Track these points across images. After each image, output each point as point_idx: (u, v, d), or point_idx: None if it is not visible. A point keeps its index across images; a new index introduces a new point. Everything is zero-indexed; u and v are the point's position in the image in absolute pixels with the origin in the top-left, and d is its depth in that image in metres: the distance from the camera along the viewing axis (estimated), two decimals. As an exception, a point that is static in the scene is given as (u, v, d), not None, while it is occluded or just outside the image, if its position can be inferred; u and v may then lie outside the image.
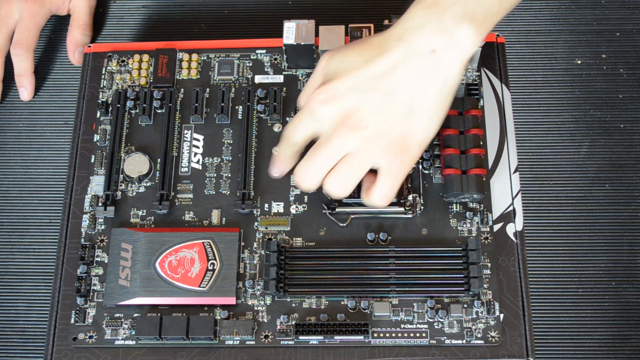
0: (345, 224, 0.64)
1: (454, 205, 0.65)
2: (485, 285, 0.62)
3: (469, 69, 0.69)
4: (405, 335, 0.61)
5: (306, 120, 0.59)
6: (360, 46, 0.59)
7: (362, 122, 0.57)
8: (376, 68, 0.57)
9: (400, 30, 0.58)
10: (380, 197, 0.60)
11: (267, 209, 0.65)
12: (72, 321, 0.62)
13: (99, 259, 0.64)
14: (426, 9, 0.57)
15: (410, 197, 0.65)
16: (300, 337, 0.60)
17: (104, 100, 0.69)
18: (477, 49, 0.68)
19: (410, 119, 0.57)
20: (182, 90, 0.70)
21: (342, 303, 0.62)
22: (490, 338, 0.60)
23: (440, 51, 0.57)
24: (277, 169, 0.64)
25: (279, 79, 0.70)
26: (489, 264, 0.62)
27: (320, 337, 0.60)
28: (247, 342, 0.61)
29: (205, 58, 0.71)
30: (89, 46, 0.72)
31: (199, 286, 0.61)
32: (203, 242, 0.62)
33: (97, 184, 0.66)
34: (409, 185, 0.65)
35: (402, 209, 0.64)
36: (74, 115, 0.69)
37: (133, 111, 0.69)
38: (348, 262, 0.62)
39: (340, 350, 0.60)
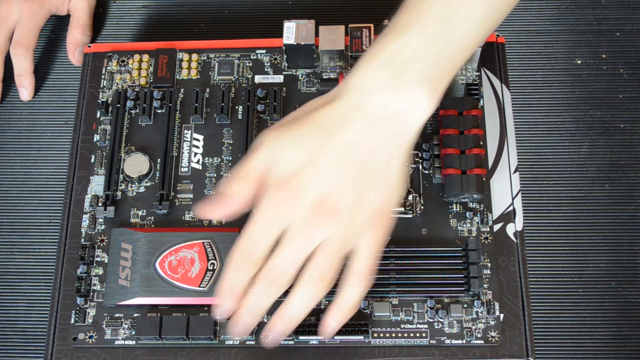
0: (345, 224, 0.64)
1: (454, 205, 0.65)
2: (485, 285, 0.62)
3: (469, 69, 0.69)
4: (405, 335, 0.61)
5: (266, 227, 0.52)
6: (312, 125, 0.53)
7: (335, 207, 0.52)
8: (339, 147, 0.52)
9: (354, 96, 0.53)
10: (357, 281, 0.54)
11: (267, 209, 0.65)
12: (72, 321, 0.62)
13: (99, 259, 0.64)
14: (380, 69, 0.53)
15: (410, 197, 0.65)
16: (300, 337, 0.60)
17: (104, 100, 0.69)
18: (477, 49, 0.68)
19: (383, 188, 0.53)
20: (182, 90, 0.70)
21: (342, 303, 0.62)
22: (490, 338, 0.60)
23: (401, 113, 0.53)
24: (227, 304, 0.54)
25: (279, 79, 0.70)
26: (489, 264, 0.63)
27: (320, 337, 0.60)
28: (247, 342, 0.61)
29: (205, 58, 0.71)
30: (89, 46, 0.72)
31: (199, 286, 0.61)
32: (203, 242, 0.62)
33: (97, 184, 0.66)
34: (409, 185, 0.65)
35: (402, 209, 0.64)
36: (74, 115, 0.69)
37: (133, 111, 0.69)
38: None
39: (340, 350, 0.60)
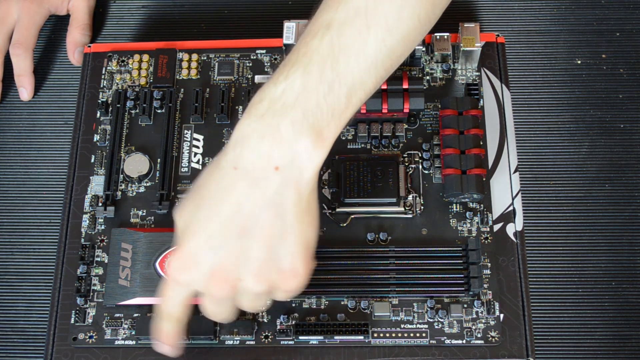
0: (345, 224, 0.64)
1: (454, 205, 0.65)
2: (485, 285, 0.62)
3: (469, 69, 0.69)
4: (405, 335, 0.61)
5: (175, 291, 0.53)
6: (198, 190, 0.52)
7: (229, 276, 0.51)
8: (222, 214, 0.50)
9: (233, 155, 0.50)
10: (284, 298, 0.54)
11: (267, 209, 0.65)
12: (72, 321, 0.62)
13: (99, 259, 0.64)
14: (259, 119, 0.50)
15: (410, 197, 0.65)
16: (300, 337, 0.60)
17: (104, 100, 0.69)
18: (477, 49, 0.68)
19: (279, 247, 0.51)
20: (182, 90, 0.70)
21: (342, 303, 0.62)
22: (490, 338, 0.60)
23: (284, 167, 0.50)
24: (163, 349, 0.56)
25: (279, 79, 0.70)
26: (489, 264, 0.63)
27: (320, 337, 0.60)
28: (247, 342, 0.61)
29: (205, 58, 0.71)
30: (89, 46, 0.72)
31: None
32: (203, 242, 0.62)
33: (97, 184, 0.66)
34: (409, 185, 0.65)
35: (402, 209, 0.64)
36: (74, 115, 0.69)
37: (133, 111, 0.69)
38: (348, 262, 0.62)
39: (340, 350, 0.60)
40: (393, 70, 0.54)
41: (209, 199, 0.51)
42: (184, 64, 0.70)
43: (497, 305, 0.61)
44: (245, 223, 0.50)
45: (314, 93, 0.50)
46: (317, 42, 0.51)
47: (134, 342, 0.61)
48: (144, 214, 0.65)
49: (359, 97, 0.52)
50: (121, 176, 0.66)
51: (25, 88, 0.75)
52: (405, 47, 0.54)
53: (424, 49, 0.69)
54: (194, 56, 0.71)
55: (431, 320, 0.61)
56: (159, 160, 0.67)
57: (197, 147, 0.67)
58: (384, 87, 0.65)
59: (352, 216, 0.64)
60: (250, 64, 0.70)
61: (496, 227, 0.64)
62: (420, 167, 0.66)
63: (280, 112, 0.49)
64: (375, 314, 0.61)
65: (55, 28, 0.79)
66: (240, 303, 0.54)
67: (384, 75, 0.53)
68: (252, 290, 0.52)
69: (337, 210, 0.64)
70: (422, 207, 0.65)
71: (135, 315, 0.62)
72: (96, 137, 0.68)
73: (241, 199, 0.50)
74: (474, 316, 0.61)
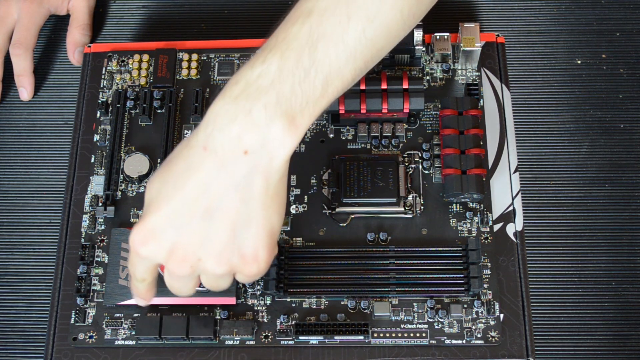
0: (345, 224, 0.64)
1: (454, 205, 0.65)
2: (485, 285, 0.62)
3: (469, 69, 0.69)
4: (405, 335, 0.61)
5: (137, 262, 0.54)
6: (166, 166, 0.52)
7: (188, 255, 0.51)
8: (187, 193, 0.50)
9: (204, 135, 0.50)
10: (245, 282, 0.56)
11: (267, 209, 0.65)
12: (72, 321, 0.62)
13: (99, 259, 0.64)
14: (232, 101, 0.49)
15: (410, 197, 0.65)
16: (300, 337, 0.60)
17: (104, 100, 0.69)
18: (477, 49, 0.68)
19: (242, 232, 0.50)
20: (182, 90, 0.70)
21: (342, 303, 0.62)
22: (490, 338, 0.60)
23: (254, 152, 0.49)
24: (141, 303, 0.59)
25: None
26: (489, 264, 0.62)
27: (320, 337, 0.60)
28: (247, 342, 0.61)
29: (205, 58, 0.71)
30: (89, 46, 0.72)
31: (199, 286, 0.61)
32: (203, 242, 0.62)
33: (97, 184, 0.66)
34: (409, 185, 0.65)
35: (402, 209, 0.64)
36: (74, 115, 0.69)
37: (133, 111, 0.69)
38: (348, 262, 0.62)
39: (340, 350, 0.60)
40: (373, 64, 0.54)
41: (175, 176, 0.50)
42: (184, 64, 0.70)
43: (497, 305, 0.61)
44: (210, 204, 0.50)
45: (289, 78, 0.49)
46: (296, 28, 0.50)
47: (134, 342, 0.61)
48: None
49: (335, 87, 0.51)
50: (121, 176, 0.66)
51: (25, 88, 0.75)
52: (386, 41, 0.53)
53: (424, 49, 0.69)
54: (194, 56, 0.71)
55: (431, 320, 0.61)
56: (159, 160, 0.67)
57: (197, 147, 0.67)
58: (384, 87, 0.65)
59: (352, 216, 0.64)
60: (250, 64, 0.70)
61: (496, 227, 0.64)
62: (420, 167, 0.66)
63: (254, 96, 0.49)
64: (375, 314, 0.61)
65: (55, 28, 0.79)
66: (202, 280, 0.54)
67: (363, 67, 0.53)
68: (212, 271, 0.52)
69: (337, 210, 0.64)
70: (422, 207, 0.65)
71: (135, 315, 0.62)
72: (96, 137, 0.68)
73: (208, 179, 0.49)
74: (474, 316, 0.61)
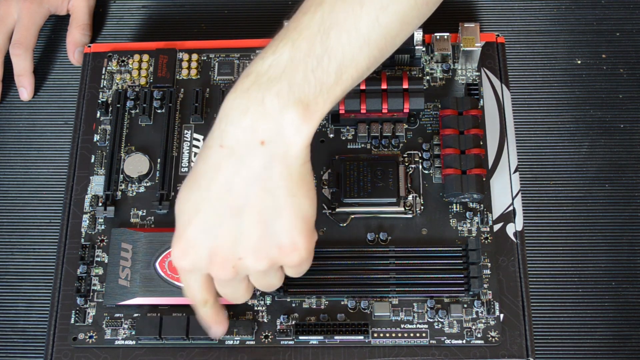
0: (345, 224, 0.64)
1: (454, 205, 0.65)
2: (485, 285, 0.62)
3: (469, 69, 0.69)
4: (405, 335, 0.61)
5: (187, 279, 0.53)
6: (191, 173, 0.52)
7: (227, 257, 0.50)
8: (212, 195, 0.50)
9: (218, 132, 0.50)
10: (295, 275, 0.55)
11: (267, 209, 0.65)
12: (72, 321, 0.62)
13: (99, 259, 0.64)
14: (244, 93, 0.49)
15: (410, 197, 0.65)
16: (300, 337, 0.60)
17: (104, 100, 0.69)
18: (477, 49, 0.68)
19: (274, 223, 0.50)
20: (182, 90, 0.70)
21: (342, 303, 0.62)
22: (490, 338, 0.60)
23: (270, 141, 0.48)
24: (217, 330, 0.58)
25: (279, 79, 0.70)
26: (489, 264, 0.63)
27: (320, 337, 0.60)
28: (247, 342, 0.61)
29: (205, 58, 0.71)
30: (89, 46, 0.72)
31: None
32: (203, 242, 0.62)
33: (97, 184, 0.66)
34: (409, 185, 0.65)
35: (402, 209, 0.64)
36: (74, 115, 0.69)
37: (133, 111, 0.69)
38: (348, 262, 0.62)
39: (340, 350, 0.60)
40: (389, 53, 0.54)
41: (199, 180, 0.50)
42: (184, 64, 0.70)
43: (497, 305, 0.61)
44: (236, 201, 0.49)
45: (301, 66, 0.49)
46: (308, 17, 0.50)
47: (134, 342, 0.61)
48: (144, 214, 0.65)
49: (350, 75, 0.51)
50: (121, 176, 0.66)
51: (25, 88, 0.75)
52: (401, 29, 0.53)
53: (424, 49, 0.69)
54: (194, 56, 0.71)
55: (431, 320, 0.61)
56: (159, 160, 0.67)
57: (197, 147, 0.67)
58: (384, 87, 0.65)
59: (352, 216, 0.64)
60: (250, 64, 0.70)
61: (496, 227, 0.64)
62: (420, 167, 0.66)
63: (265, 85, 0.49)
64: (375, 314, 0.61)
65: (55, 28, 0.79)
66: (254, 283, 0.54)
67: (378, 56, 0.53)
68: (254, 268, 0.51)
69: (337, 210, 0.64)
70: (422, 207, 0.65)
71: (135, 315, 0.62)
72: (96, 137, 0.68)
73: (229, 177, 0.49)
74: (474, 316, 0.61)
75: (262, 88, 0.49)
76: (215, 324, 0.57)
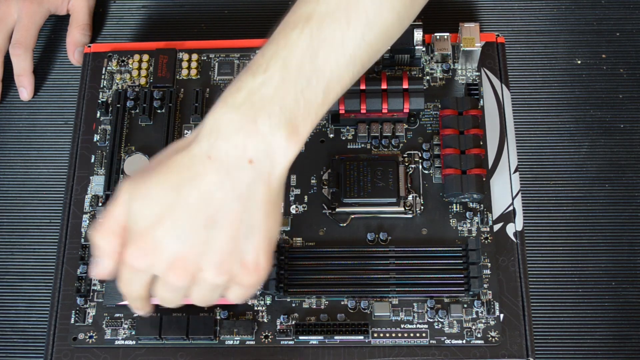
0: (345, 224, 0.64)
1: (454, 205, 0.65)
2: (485, 285, 0.62)
3: (469, 69, 0.69)
4: (405, 335, 0.61)
5: (133, 278, 0.52)
6: (164, 174, 0.50)
7: (189, 266, 0.50)
8: (191, 202, 0.49)
9: (207, 143, 0.49)
10: (237, 299, 0.54)
11: (267, 209, 0.65)
12: (72, 321, 0.62)
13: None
14: (235, 109, 0.49)
15: (410, 197, 0.65)
16: (300, 337, 0.60)
17: (104, 100, 0.69)
18: (477, 49, 0.68)
19: (245, 241, 0.50)
20: (182, 90, 0.70)
21: (342, 303, 0.62)
22: (490, 338, 0.60)
23: (258, 161, 0.49)
24: (142, 312, 0.57)
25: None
26: (489, 264, 0.62)
27: (320, 337, 0.60)
28: (247, 342, 0.61)
29: (205, 58, 0.71)
30: (89, 46, 0.72)
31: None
32: (203, 242, 0.62)
33: (97, 184, 0.66)
34: (409, 185, 0.65)
35: (402, 209, 0.64)
36: (74, 115, 0.69)
37: (133, 111, 0.69)
38: (348, 262, 0.62)
39: (340, 350, 0.60)
40: (370, 66, 0.54)
41: (177, 185, 0.49)
42: (184, 64, 0.70)
43: (497, 305, 0.61)
44: (213, 213, 0.49)
45: (292, 88, 0.50)
46: (296, 34, 0.50)
47: (134, 342, 0.61)
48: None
49: (335, 92, 0.52)
50: (121, 176, 0.66)
51: (25, 88, 0.75)
52: (383, 43, 0.54)
53: (424, 49, 0.69)
54: (194, 56, 0.71)
55: (431, 320, 0.61)
56: (159, 160, 0.67)
57: (197, 147, 0.67)
58: (384, 87, 0.65)
59: (352, 216, 0.64)
60: (250, 64, 0.70)
61: (496, 227, 0.64)
62: (420, 167, 0.66)
63: (258, 105, 0.49)
64: (375, 314, 0.61)
65: (55, 28, 0.79)
66: (192, 293, 0.52)
67: (361, 70, 0.53)
68: (210, 282, 0.51)
69: (337, 210, 0.64)
70: (422, 207, 0.65)
71: (135, 315, 0.62)
72: (96, 137, 0.68)
73: (212, 188, 0.49)
74: (474, 316, 0.61)
75: (254, 107, 0.49)
76: (143, 310, 0.56)
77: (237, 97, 0.50)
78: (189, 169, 0.49)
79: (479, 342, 0.60)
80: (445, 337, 0.61)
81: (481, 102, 0.68)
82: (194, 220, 0.49)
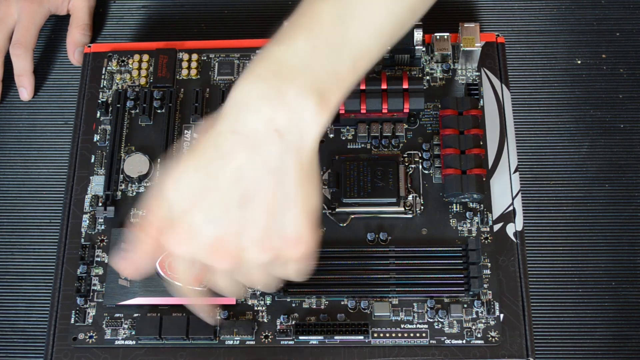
0: (345, 224, 0.64)
1: (454, 205, 0.65)
2: (485, 285, 0.62)
3: (469, 69, 0.69)
4: (405, 335, 0.61)
5: (182, 266, 0.52)
6: (192, 158, 0.49)
7: (230, 247, 0.49)
8: (221, 183, 0.48)
9: (232, 118, 0.48)
10: (295, 274, 0.53)
11: (267, 209, 0.65)
12: (72, 321, 0.62)
13: (99, 259, 0.64)
14: (262, 81, 0.48)
15: (410, 197, 0.65)
16: (300, 337, 0.60)
17: (104, 100, 0.69)
18: (477, 49, 0.68)
19: (282, 215, 0.49)
20: (182, 90, 0.70)
21: (342, 303, 0.62)
22: (490, 338, 0.60)
23: (287, 132, 0.48)
24: (203, 315, 0.57)
25: (279, 79, 0.70)
26: (489, 264, 0.63)
27: (320, 337, 0.60)
28: (247, 342, 0.61)
29: (205, 58, 0.71)
30: (89, 46, 0.72)
31: (199, 286, 0.61)
32: (203, 242, 0.62)
33: (97, 184, 0.66)
34: (409, 185, 0.65)
35: (402, 209, 0.64)
36: (74, 115, 0.69)
37: (133, 111, 0.69)
38: (348, 262, 0.62)
39: (340, 350, 0.60)
40: (397, 40, 0.54)
41: (206, 166, 0.48)
42: (184, 64, 0.70)
43: (497, 305, 0.61)
44: (246, 191, 0.48)
45: (320, 57, 0.49)
46: (325, 6, 0.50)
47: (134, 342, 0.61)
48: (144, 214, 0.65)
49: (363, 64, 0.51)
50: (121, 176, 0.66)
51: (25, 88, 0.75)
52: (410, 17, 0.54)
53: (424, 49, 0.69)
54: (194, 56, 0.71)
55: (431, 320, 0.61)
56: (159, 160, 0.67)
57: (197, 147, 0.67)
58: (384, 87, 0.65)
59: (352, 216, 0.64)
60: (250, 64, 0.70)
61: (496, 227, 0.64)
62: (420, 167, 0.66)
63: (285, 75, 0.48)
64: (375, 314, 0.61)
65: (55, 28, 0.79)
66: (249, 277, 0.52)
67: (388, 43, 0.53)
68: (256, 261, 0.50)
69: (337, 210, 0.64)
70: (422, 207, 0.65)
71: (135, 315, 0.62)
72: (96, 137, 0.68)
73: (242, 165, 0.48)
74: (474, 316, 0.61)
75: (281, 77, 0.48)
76: (203, 312, 0.56)
77: (263, 67, 0.49)
78: (216, 148, 0.48)
79: (479, 342, 0.60)
80: (445, 337, 0.61)
81: (481, 102, 0.68)
82: (227, 201, 0.48)
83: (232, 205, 0.48)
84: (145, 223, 0.51)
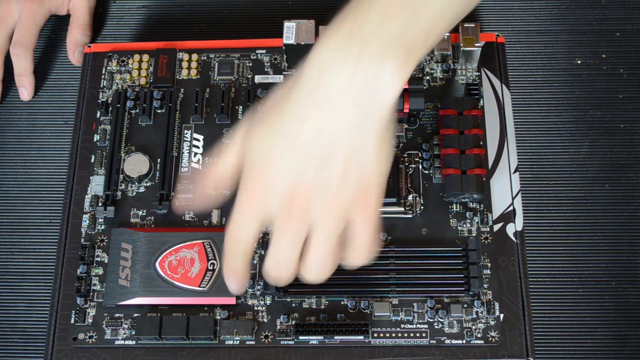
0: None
1: (454, 205, 0.65)
2: (485, 285, 0.62)
3: (469, 69, 0.69)
4: (405, 335, 0.61)
5: (244, 222, 0.52)
6: (273, 118, 0.51)
7: (307, 201, 0.50)
8: (300, 142, 0.49)
9: (313, 76, 0.50)
10: (360, 248, 0.52)
11: (267, 209, 0.65)
12: (72, 321, 0.62)
13: (99, 259, 0.64)
14: (341, 45, 0.49)
15: (410, 197, 0.65)
16: (300, 337, 0.60)
17: (104, 100, 0.69)
18: (477, 49, 0.68)
19: (356, 175, 0.50)
20: (182, 90, 0.70)
21: (342, 303, 0.62)
22: (490, 338, 0.60)
23: (366, 94, 0.49)
24: (235, 284, 0.55)
25: (279, 79, 0.70)
26: (489, 264, 0.63)
27: (320, 337, 0.60)
28: (247, 342, 0.61)
29: (205, 58, 0.71)
30: (89, 46, 0.72)
31: (199, 286, 0.61)
32: (203, 242, 0.62)
33: (97, 184, 0.66)
34: (409, 185, 0.65)
35: (402, 209, 0.64)
36: (74, 115, 0.69)
37: (133, 111, 0.69)
38: (348, 262, 0.62)
39: (340, 350, 0.60)
40: (469, 11, 0.54)
41: (287, 126, 0.50)
42: (184, 64, 0.70)
43: (497, 305, 0.61)
44: (322, 153, 0.49)
45: (397, 19, 0.49)
46: None
47: (134, 342, 0.61)
48: (144, 214, 0.65)
49: (440, 30, 0.52)
50: (121, 176, 0.66)
51: (25, 88, 0.75)
52: None
53: (424, 49, 0.69)
54: (194, 56, 0.71)
55: (431, 320, 0.61)
56: (159, 160, 0.67)
57: (197, 147, 0.67)
58: (384, 87, 0.65)
59: (352, 216, 0.64)
60: (250, 64, 0.70)
61: (496, 227, 0.64)
62: (420, 167, 0.66)
63: (364, 36, 0.49)
64: (375, 314, 0.61)
65: (55, 28, 0.79)
66: (310, 244, 0.51)
67: (460, 15, 0.54)
68: (324, 215, 0.50)
69: (337, 210, 0.64)
70: (422, 207, 0.65)
71: (135, 315, 0.62)
72: (96, 137, 0.68)
73: (320, 128, 0.49)
74: (474, 316, 0.61)
75: (360, 39, 0.49)
76: (237, 280, 0.55)
77: (341, 30, 0.49)
78: (296, 109, 0.50)
79: (479, 342, 0.60)
80: (445, 337, 0.61)
81: (481, 102, 0.68)
82: (304, 161, 0.49)
83: (308, 165, 0.50)
84: (223, 159, 0.54)
